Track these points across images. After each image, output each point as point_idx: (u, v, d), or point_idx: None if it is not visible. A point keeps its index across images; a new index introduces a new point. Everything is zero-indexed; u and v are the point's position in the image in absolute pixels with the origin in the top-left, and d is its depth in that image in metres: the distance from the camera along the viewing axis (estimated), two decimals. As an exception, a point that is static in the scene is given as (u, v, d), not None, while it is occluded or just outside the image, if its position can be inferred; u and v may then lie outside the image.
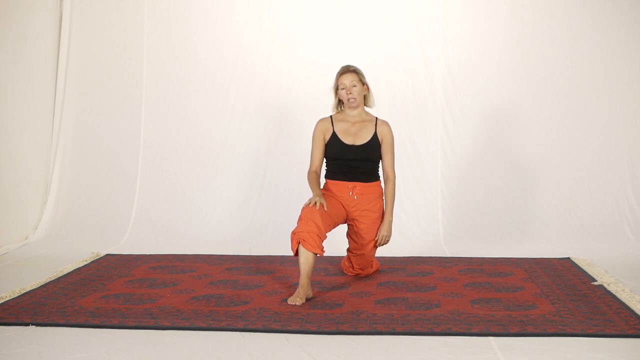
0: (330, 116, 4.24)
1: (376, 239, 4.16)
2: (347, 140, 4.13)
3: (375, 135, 4.15)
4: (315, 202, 3.84)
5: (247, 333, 3.20)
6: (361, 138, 4.14)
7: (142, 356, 2.92)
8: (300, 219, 3.81)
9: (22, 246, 5.18)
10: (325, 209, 3.86)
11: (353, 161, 4.12)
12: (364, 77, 4.17)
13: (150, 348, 3.02)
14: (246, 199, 5.61)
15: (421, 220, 5.47)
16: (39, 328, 3.28)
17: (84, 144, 5.76)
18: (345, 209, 4.13)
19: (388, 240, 4.21)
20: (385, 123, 4.21)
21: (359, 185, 4.13)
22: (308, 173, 4.16)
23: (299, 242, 3.74)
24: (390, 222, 4.18)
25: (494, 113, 5.56)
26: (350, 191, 4.12)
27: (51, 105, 5.73)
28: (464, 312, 3.48)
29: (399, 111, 5.56)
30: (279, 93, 5.65)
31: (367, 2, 5.64)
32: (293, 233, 3.78)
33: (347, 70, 4.14)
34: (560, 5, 5.53)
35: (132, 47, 5.74)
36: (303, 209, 3.84)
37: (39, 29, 5.56)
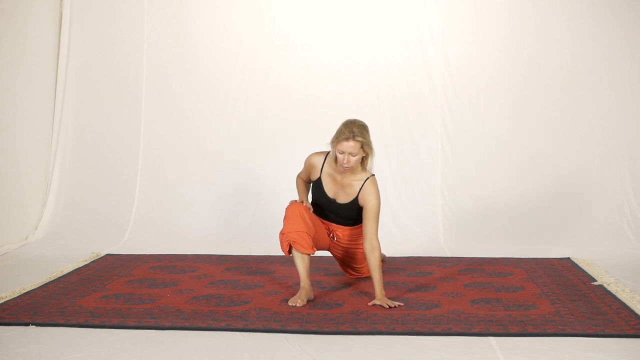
0: (326, 155, 3.88)
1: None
2: (330, 192, 3.85)
3: (356, 199, 3.81)
4: (302, 201, 3.79)
5: (247, 333, 3.20)
6: (343, 196, 3.84)
7: (142, 356, 2.92)
8: (286, 217, 3.71)
9: (22, 246, 5.17)
10: (311, 210, 3.79)
11: (331, 212, 3.93)
12: (368, 145, 3.68)
13: (150, 348, 3.01)
14: (246, 199, 5.60)
15: (421, 220, 5.47)
16: (39, 328, 3.27)
17: (84, 144, 5.76)
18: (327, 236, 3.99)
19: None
20: (372, 187, 3.76)
21: (340, 229, 3.97)
22: (297, 177, 4.06)
23: (290, 244, 3.70)
24: (383, 295, 3.63)
25: (494, 113, 5.56)
26: (330, 233, 3.98)
27: (51, 105, 5.73)
28: (464, 312, 3.48)
29: (399, 111, 5.57)
30: (279, 93, 5.65)
31: (368, 2, 5.64)
32: (282, 234, 3.70)
33: (351, 137, 3.62)
34: (560, 5, 5.53)
35: (132, 47, 5.73)
36: (288, 207, 3.74)
37: (38, 28, 5.55)
